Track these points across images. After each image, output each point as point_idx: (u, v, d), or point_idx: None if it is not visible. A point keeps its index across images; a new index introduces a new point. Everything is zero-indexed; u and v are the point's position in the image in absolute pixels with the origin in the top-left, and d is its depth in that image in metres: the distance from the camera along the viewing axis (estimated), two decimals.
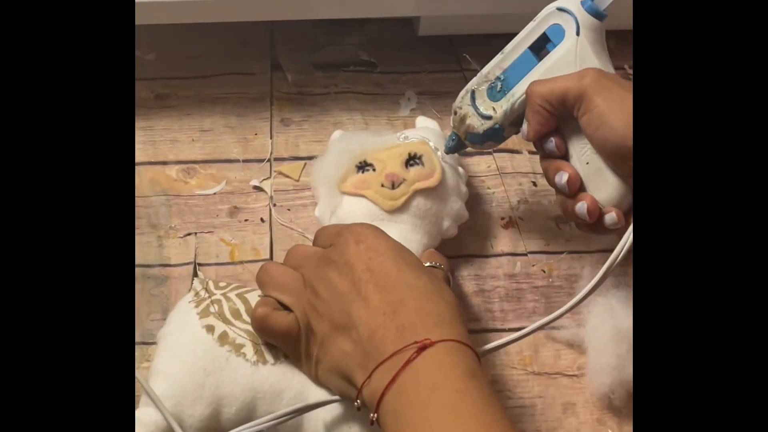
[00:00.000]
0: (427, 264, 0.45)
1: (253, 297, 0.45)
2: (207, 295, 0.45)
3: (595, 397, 0.49)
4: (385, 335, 0.38)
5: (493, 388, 0.38)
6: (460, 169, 0.55)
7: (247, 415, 0.42)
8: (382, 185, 0.50)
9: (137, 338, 0.49)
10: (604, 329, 0.49)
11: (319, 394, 0.42)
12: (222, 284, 0.47)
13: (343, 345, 0.40)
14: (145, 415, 0.41)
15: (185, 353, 0.43)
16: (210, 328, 0.43)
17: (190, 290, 0.47)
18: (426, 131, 0.55)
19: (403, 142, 0.53)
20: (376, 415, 0.37)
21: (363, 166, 0.51)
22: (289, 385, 0.43)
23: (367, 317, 0.39)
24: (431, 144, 0.53)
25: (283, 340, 0.43)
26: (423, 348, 0.37)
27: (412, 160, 0.51)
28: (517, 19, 0.53)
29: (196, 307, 0.45)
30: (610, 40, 0.66)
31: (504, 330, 0.52)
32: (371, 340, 0.38)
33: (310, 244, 0.47)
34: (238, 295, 0.45)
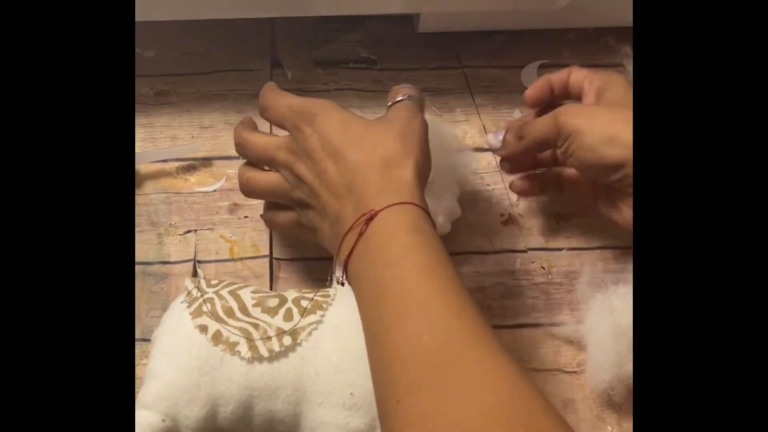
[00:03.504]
0: (397, 99, 0.48)
1: (246, 294, 0.45)
2: (199, 294, 0.45)
3: (594, 394, 0.49)
4: (345, 215, 0.43)
5: (438, 239, 0.41)
6: (456, 165, 0.55)
7: (244, 413, 0.42)
8: None
9: (137, 335, 0.49)
10: (603, 326, 0.49)
11: (316, 390, 0.43)
12: (214, 282, 0.47)
13: (324, 223, 0.45)
14: (139, 418, 0.41)
15: (179, 354, 0.43)
16: (203, 328, 0.43)
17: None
18: None
19: None
20: (342, 278, 0.43)
21: None
22: (284, 382, 0.43)
23: (331, 200, 0.44)
24: None
25: (272, 195, 0.49)
26: (370, 219, 0.41)
27: None
28: (517, 16, 0.53)
29: (189, 307, 0.45)
30: (609, 37, 0.66)
31: (504, 326, 0.52)
32: (338, 219, 0.43)
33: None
34: (231, 293, 0.45)
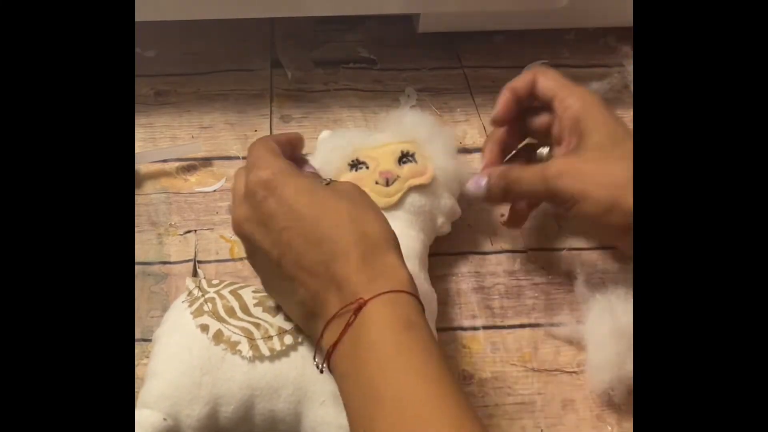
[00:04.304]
0: (327, 181, 0.45)
1: (247, 293, 0.46)
2: (200, 294, 0.45)
3: (594, 394, 0.49)
4: (327, 298, 0.39)
5: (431, 333, 0.38)
6: (455, 165, 0.55)
7: (245, 413, 0.43)
8: (377, 183, 0.50)
9: (137, 335, 0.49)
10: (603, 326, 0.49)
11: (318, 389, 0.43)
12: (215, 282, 0.47)
13: (291, 297, 0.41)
14: (140, 417, 0.41)
15: (181, 354, 0.43)
16: (204, 327, 0.43)
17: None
18: (417, 126, 0.55)
19: (397, 138, 0.53)
20: (324, 365, 0.39)
21: (356, 165, 0.51)
22: (286, 381, 0.43)
23: (305, 278, 0.39)
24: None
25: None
26: (359, 309, 0.37)
27: (405, 157, 0.51)
28: (517, 16, 0.53)
29: (190, 306, 0.45)
30: (609, 37, 0.66)
31: (503, 327, 0.52)
32: (315, 300, 0.39)
33: None
34: (232, 292, 0.45)
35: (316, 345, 0.40)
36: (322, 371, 0.39)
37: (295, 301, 0.41)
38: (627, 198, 0.44)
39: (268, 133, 0.60)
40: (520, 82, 0.51)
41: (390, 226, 0.41)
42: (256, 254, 0.43)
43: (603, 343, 0.48)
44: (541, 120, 0.52)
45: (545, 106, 0.51)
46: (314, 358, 0.41)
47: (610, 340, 0.48)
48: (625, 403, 0.48)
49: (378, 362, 0.36)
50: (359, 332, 0.37)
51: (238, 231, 0.43)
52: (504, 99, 0.51)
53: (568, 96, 0.49)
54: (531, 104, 0.52)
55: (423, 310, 0.39)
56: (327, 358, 0.38)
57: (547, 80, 0.50)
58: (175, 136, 0.60)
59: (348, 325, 0.37)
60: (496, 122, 0.52)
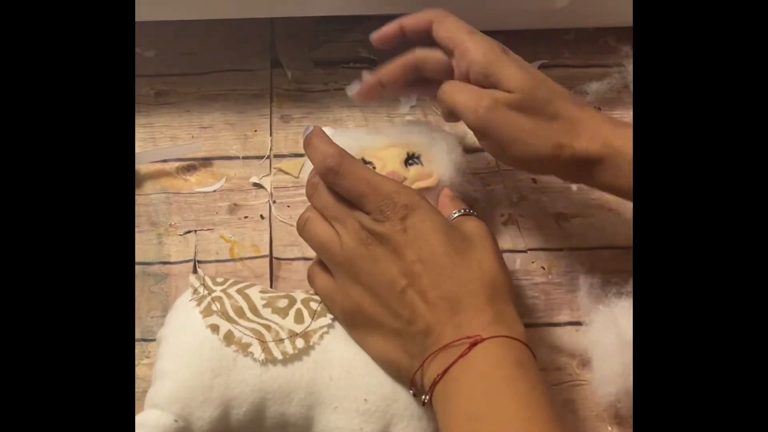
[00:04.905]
0: (457, 213, 0.46)
1: (255, 293, 0.45)
2: (207, 292, 0.45)
3: (598, 398, 0.48)
4: (442, 332, 0.39)
5: (542, 378, 0.39)
6: (460, 168, 0.55)
7: (257, 416, 0.42)
8: None
9: (137, 335, 0.49)
10: (608, 337, 0.48)
11: (330, 395, 0.42)
12: (219, 280, 0.46)
13: (383, 335, 0.42)
14: (151, 418, 0.41)
15: (191, 354, 0.42)
16: (215, 328, 0.43)
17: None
18: (421, 129, 0.55)
19: (401, 141, 0.53)
20: (428, 397, 0.39)
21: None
22: (298, 385, 0.42)
23: (425, 311, 0.40)
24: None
25: (321, 250, 0.45)
26: (475, 343, 0.38)
27: (411, 159, 0.51)
28: (517, 16, 0.53)
29: (198, 305, 0.44)
30: (609, 37, 0.66)
31: None
32: (428, 334, 0.40)
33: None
34: (239, 291, 0.45)
35: (415, 372, 0.40)
36: (424, 403, 0.40)
37: (399, 326, 0.41)
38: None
39: (268, 133, 0.60)
40: (412, 20, 0.50)
41: (509, 273, 0.43)
42: (366, 274, 0.42)
43: (608, 355, 0.48)
44: (436, 61, 0.50)
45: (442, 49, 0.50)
46: (410, 390, 0.41)
47: (616, 352, 0.47)
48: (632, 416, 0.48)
49: (487, 389, 0.37)
50: (470, 363, 0.38)
51: (345, 221, 0.43)
52: (389, 28, 0.51)
53: (468, 47, 0.48)
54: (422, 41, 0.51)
55: (535, 359, 0.40)
56: (434, 386, 0.39)
57: (443, 30, 0.49)
58: (175, 136, 0.60)
59: (462, 355, 0.38)
60: (375, 41, 0.52)
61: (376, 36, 0.51)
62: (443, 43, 0.49)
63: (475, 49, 0.47)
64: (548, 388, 0.39)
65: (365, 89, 0.52)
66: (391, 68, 0.51)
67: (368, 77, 0.52)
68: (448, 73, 0.49)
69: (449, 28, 0.49)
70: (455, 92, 0.48)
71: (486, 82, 0.47)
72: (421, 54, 0.50)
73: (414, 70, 0.51)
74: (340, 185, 0.44)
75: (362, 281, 0.42)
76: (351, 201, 0.44)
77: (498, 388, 0.37)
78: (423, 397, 0.40)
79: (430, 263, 0.41)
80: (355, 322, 0.43)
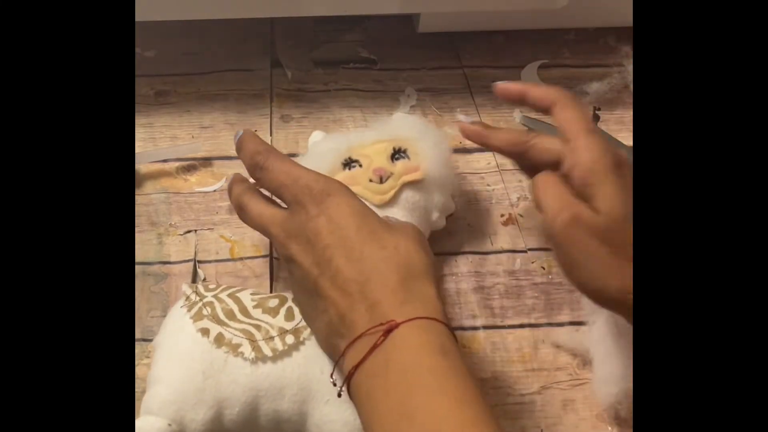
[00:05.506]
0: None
1: (245, 296, 0.45)
2: (198, 298, 0.45)
3: (598, 399, 0.49)
4: (355, 317, 0.38)
5: (466, 362, 0.37)
6: (447, 161, 0.54)
7: (250, 414, 0.42)
8: (371, 180, 0.50)
9: (137, 335, 0.49)
10: (608, 339, 0.48)
11: (322, 388, 0.42)
12: (212, 286, 0.47)
13: (320, 316, 0.41)
14: (145, 425, 0.41)
15: (183, 358, 0.43)
16: (205, 331, 0.43)
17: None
18: (407, 124, 0.55)
19: (388, 137, 0.52)
20: (343, 389, 0.38)
21: (349, 163, 0.51)
22: (289, 381, 0.43)
23: (336, 297, 0.39)
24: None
25: (261, 232, 0.45)
26: (389, 330, 0.37)
27: (397, 153, 0.51)
28: (517, 16, 0.53)
29: (189, 311, 0.44)
30: (609, 37, 0.66)
31: (504, 326, 0.52)
32: (342, 320, 0.39)
33: None
34: (230, 296, 0.45)
35: (335, 364, 0.40)
36: (340, 395, 0.39)
37: (323, 320, 0.40)
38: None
39: (269, 134, 0.61)
40: (537, 93, 0.47)
41: (434, 261, 0.41)
42: (291, 273, 0.43)
43: (609, 356, 0.48)
44: (546, 151, 0.46)
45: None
46: (331, 376, 0.41)
47: (617, 353, 0.47)
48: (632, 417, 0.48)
49: (411, 384, 0.35)
50: (389, 354, 0.37)
51: (266, 231, 0.43)
52: (514, 89, 0.47)
53: (580, 147, 0.43)
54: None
55: (456, 340, 0.38)
56: (348, 378, 0.38)
57: (563, 119, 0.45)
58: (175, 136, 0.60)
59: (375, 345, 0.37)
60: (497, 92, 0.48)
61: (500, 88, 0.47)
62: (560, 130, 0.45)
63: (586, 152, 0.43)
64: (472, 373, 0.36)
65: (471, 131, 0.48)
66: (503, 138, 0.48)
67: (479, 127, 0.48)
68: (555, 165, 0.45)
69: (570, 118, 0.44)
70: (547, 189, 0.43)
71: (583, 191, 0.42)
72: (540, 145, 0.46)
73: (525, 150, 0.47)
74: (263, 179, 0.44)
75: (293, 281, 0.43)
76: (272, 193, 0.44)
77: (424, 385, 0.35)
78: (339, 388, 0.38)
79: (340, 247, 0.40)
80: (307, 322, 0.44)
